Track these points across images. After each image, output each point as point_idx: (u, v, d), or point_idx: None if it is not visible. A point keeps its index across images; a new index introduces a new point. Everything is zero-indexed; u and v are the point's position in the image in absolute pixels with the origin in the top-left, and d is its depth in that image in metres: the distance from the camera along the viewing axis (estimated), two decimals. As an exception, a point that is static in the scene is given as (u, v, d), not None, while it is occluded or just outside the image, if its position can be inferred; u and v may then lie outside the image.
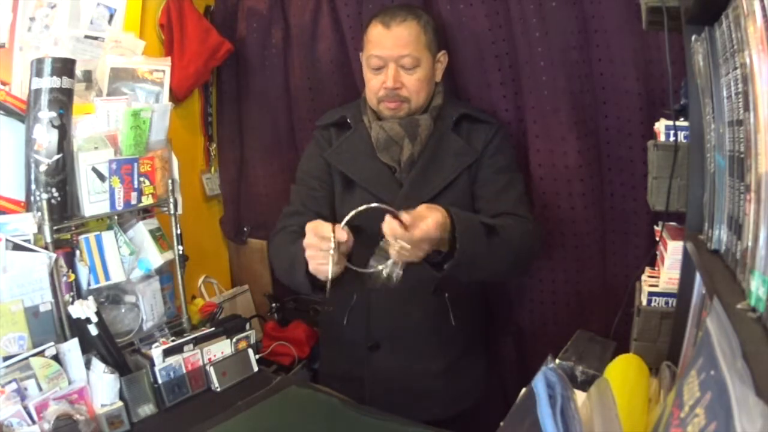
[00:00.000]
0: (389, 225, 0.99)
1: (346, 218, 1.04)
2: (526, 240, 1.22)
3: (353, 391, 1.36)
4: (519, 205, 1.28)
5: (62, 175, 1.25)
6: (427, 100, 1.34)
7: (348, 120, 1.39)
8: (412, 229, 0.99)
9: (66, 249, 1.30)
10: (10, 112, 1.27)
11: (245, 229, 2.07)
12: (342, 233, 1.02)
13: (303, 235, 1.07)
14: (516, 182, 1.33)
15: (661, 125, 1.00)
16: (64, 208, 1.26)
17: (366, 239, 1.31)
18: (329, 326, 1.52)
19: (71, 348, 1.21)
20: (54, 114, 1.22)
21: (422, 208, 1.04)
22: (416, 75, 1.29)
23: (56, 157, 1.24)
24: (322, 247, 1.02)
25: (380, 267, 1.06)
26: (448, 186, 1.30)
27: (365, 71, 1.35)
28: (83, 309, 1.24)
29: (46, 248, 1.22)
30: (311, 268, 1.07)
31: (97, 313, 1.26)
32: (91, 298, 1.28)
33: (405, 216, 1.00)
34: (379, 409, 1.26)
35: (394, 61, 1.28)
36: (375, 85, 1.31)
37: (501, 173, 1.32)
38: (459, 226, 1.06)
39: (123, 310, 1.42)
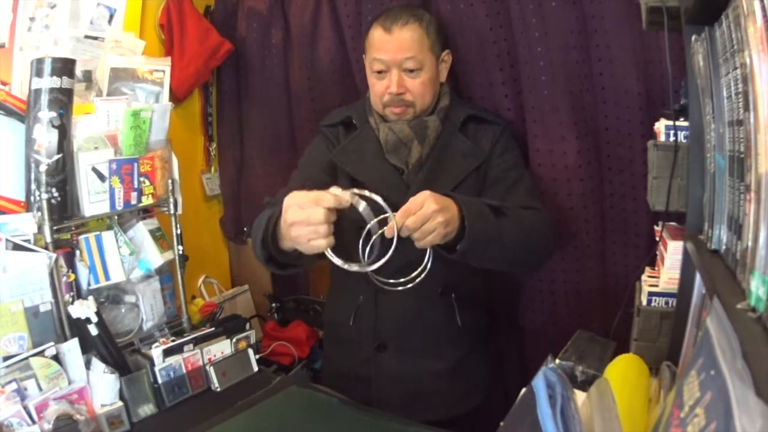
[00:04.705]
0: (394, 223, 1.01)
1: (355, 190, 1.03)
2: (538, 224, 1.23)
3: (359, 391, 1.36)
4: (529, 197, 1.29)
5: (62, 175, 1.25)
6: (433, 102, 1.34)
7: (354, 121, 1.38)
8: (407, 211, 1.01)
9: (66, 249, 1.30)
10: (10, 112, 1.27)
11: (245, 229, 2.07)
12: (345, 195, 0.99)
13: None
14: (525, 178, 1.34)
15: (661, 125, 1.00)
16: (64, 208, 1.26)
17: (355, 231, 1.25)
18: (334, 326, 1.51)
19: (71, 348, 1.21)
20: (54, 114, 1.22)
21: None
22: (420, 78, 1.28)
23: (56, 157, 1.24)
24: (311, 220, 0.97)
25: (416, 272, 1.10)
26: (456, 187, 1.29)
27: (368, 75, 1.34)
28: (83, 309, 1.24)
29: (46, 248, 1.22)
30: (303, 248, 1.01)
31: (97, 313, 1.26)
32: (91, 298, 1.28)
33: (399, 213, 1.02)
34: (385, 408, 1.26)
35: (397, 66, 1.27)
36: (379, 90, 1.30)
37: (510, 171, 1.32)
38: (463, 204, 1.07)
39: (123, 310, 1.42)
